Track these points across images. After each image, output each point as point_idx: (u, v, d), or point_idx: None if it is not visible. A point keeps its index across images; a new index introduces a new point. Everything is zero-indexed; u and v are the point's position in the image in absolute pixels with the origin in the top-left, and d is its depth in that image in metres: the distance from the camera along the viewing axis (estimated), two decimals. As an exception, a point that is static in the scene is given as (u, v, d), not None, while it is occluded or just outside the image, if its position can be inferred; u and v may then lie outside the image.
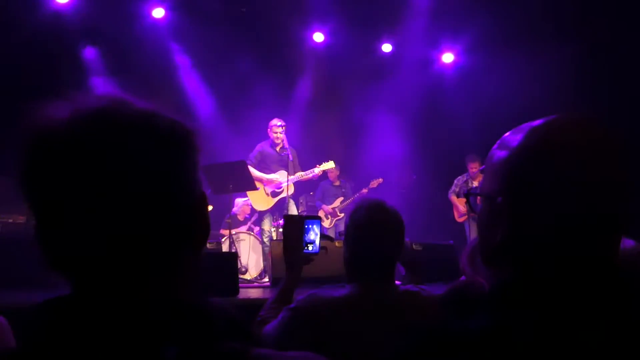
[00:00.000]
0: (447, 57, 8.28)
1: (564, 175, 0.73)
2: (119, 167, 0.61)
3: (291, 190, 5.84)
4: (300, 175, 5.94)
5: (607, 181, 0.73)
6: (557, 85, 6.08)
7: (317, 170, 6.06)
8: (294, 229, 1.79)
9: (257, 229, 6.53)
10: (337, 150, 7.25)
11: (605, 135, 0.75)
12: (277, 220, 6.10)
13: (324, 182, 7.45)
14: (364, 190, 7.27)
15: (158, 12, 7.10)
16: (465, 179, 6.79)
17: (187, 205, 0.67)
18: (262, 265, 6.07)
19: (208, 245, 4.96)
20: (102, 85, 6.99)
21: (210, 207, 0.74)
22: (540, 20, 6.55)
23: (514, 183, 0.76)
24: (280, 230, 6.02)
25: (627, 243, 1.39)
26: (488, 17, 6.88)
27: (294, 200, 6.20)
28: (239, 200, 6.92)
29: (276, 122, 5.89)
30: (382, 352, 1.45)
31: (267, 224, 5.92)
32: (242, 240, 6.28)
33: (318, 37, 7.77)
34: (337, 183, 7.50)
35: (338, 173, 7.42)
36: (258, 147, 6.01)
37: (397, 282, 1.73)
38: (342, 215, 7.28)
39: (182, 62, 7.50)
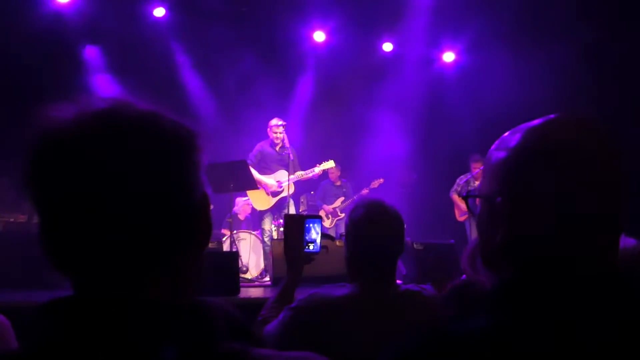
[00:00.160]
0: (448, 57, 8.28)
1: (562, 175, 0.73)
2: (122, 168, 0.62)
3: (291, 190, 5.83)
4: (300, 174, 5.93)
5: (605, 181, 0.73)
6: (559, 84, 6.07)
7: (317, 169, 6.06)
8: (294, 228, 1.79)
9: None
10: (338, 150, 7.25)
11: (603, 135, 0.75)
12: (277, 219, 6.10)
13: (325, 181, 7.45)
14: (365, 191, 7.26)
15: (159, 12, 7.11)
16: (467, 178, 6.78)
17: (190, 206, 0.67)
18: (262, 264, 6.07)
19: (209, 245, 4.95)
20: (103, 85, 6.99)
21: (210, 207, 0.75)
22: (541, 18, 6.54)
23: (513, 183, 0.76)
24: (281, 229, 6.02)
25: (628, 242, 1.39)
26: (489, 16, 6.87)
27: (294, 199, 6.20)
28: (239, 200, 6.93)
29: (276, 121, 5.88)
30: (382, 351, 1.45)
31: (267, 224, 5.93)
32: (242, 239, 6.29)
33: (319, 36, 7.77)
34: (338, 183, 7.50)
35: (339, 173, 7.42)
36: (258, 146, 6.01)
37: (398, 281, 1.74)
38: (343, 215, 7.28)
39: (183, 62, 7.50)
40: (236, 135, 6.90)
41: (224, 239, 6.14)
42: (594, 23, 5.97)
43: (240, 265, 4.92)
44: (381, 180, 7.30)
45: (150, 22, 7.14)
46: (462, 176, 6.91)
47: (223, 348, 0.63)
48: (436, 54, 8.31)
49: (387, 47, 8.10)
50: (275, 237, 5.96)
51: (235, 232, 6.07)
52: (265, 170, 5.90)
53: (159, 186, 0.64)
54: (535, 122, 0.79)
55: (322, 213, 7.32)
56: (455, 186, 6.98)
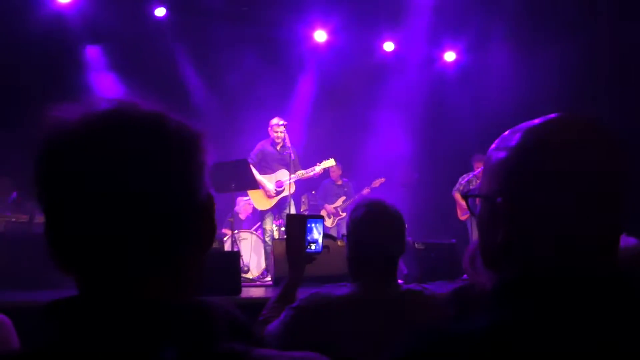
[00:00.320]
0: (449, 56, 8.28)
1: (563, 174, 0.73)
2: (127, 168, 0.63)
3: (292, 190, 5.83)
4: (301, 173, 5.93)
5: (606, 181, 0.73)
6: (560, 83, 6.07)
7: (318, 168, 6.06)
8: (296, 228, 1.79)
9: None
10: (339, 149, 7.24)
11: (604, 135, 0.75)
12: (278, 219, 6.10)
13: (326, 181, 7.45)
14: (366, 190, 7.26)
15: (160, 12, 7.12)
16: (469, 177, 6.77)
17: (194, 207, 0.68)
18: (263, 264, 6.07)
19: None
20: (105, 85, 7.00)
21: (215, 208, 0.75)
22: (542, 17, 6.54)
23: (514, 184, 0.76)
24: (282, 229, 6.02)
25: (629, 241, 1.39)
26: (490, 16, 6.87)
27: (296, 199, 6.20)
28: (240, 199, 6.93)
29: (277, 121, 5.88)
30: (384, 351, 1.45)
31: (268, 223, 5.93)
32: (243, 239, 6.29)
33: (320, 35, 7.77)
34: (340, 182, 7.50)
35: (340, 172, 7.42)
36: (258, 145, 6.01)
37: (399, 281, 1.74)
38: (344, 214, 7.28)
39: (184, 61, 7.50)
40: (237, 134, 6.90)
41: (225, 238, 6.14)
42: (596, 22, 5.96)
43: (241, 265, 4.93)
44: (382, 179, 7.29)
45: (151, 22, 7.14)
46: (464, 175, 6.90)
47: (224, 348, 0.63)
48: (437, 53, 8.31)
49: (389, 46, 8.10)
50: (276, 236, 5.96)
51: (236, 231, 6.07)
52: (266, 169, 5.90)
53: (164, 187, 0.64)
54: (535, 121, 0.78)
55: (323, 212, 7.32)
56: (457, 185, 6.97)
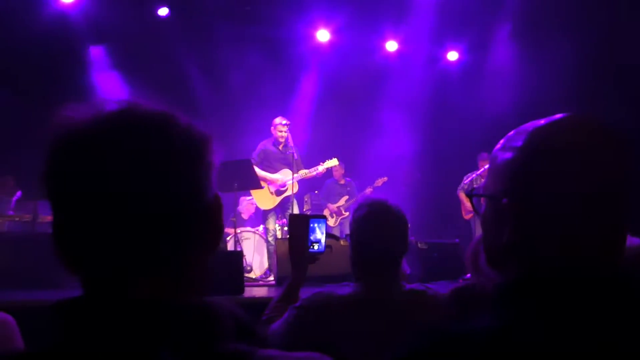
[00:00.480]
0: (452, 55, 8.27)
1: (569, 176, 0.73)
2: (136, 169, 0.63)
3: (296, 189, 5.83)
4: (304, 173, 5.94)
5: (613, 181, 0.73)
6: (563, 83, 6.05)
7: (321, 168, 6.06)
8: (299, 227, 1.79)
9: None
10: (342, 148, 7.24)
11: (608, 135, 0.75)
12: (281, 218, 6.10)
13: (329, 180, 7.45)
14: (369, 190, 7.26)
15: (162, 11, 7.14)
16: (474, 176, 6.76)
17: (201, 208, 0.68)
18: (266, 263, 6.08)
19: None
20: (108, 84, 7.02)
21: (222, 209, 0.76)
22: (546, 17, 6.52)
23: (519, 184, 0.76)
24: (285, 228, 6.03)
25: (633, 241, 1.39)
26: (492, 15, 6.86)
27: (298, 199, 6.19)
28: (243, 199, 6.94)
29: (280, 120, 5.88)
30: (387, 351, 1.45)
31: (271, 223, 5.93)
32: (246, 238, 6.29)
33: (323, 35, 7.77)
34: (342, 182, 7.50)
35: (343, 172, 7.42)
36: (260, 145, 6.01)
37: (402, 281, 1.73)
38: (347, 214, 7.28)
39: (187, 60, 7.51)
40: (240, 133, 6.91)
41: (227, 238, 6.15)
42: (600, 22, 5.94)
43: (244, 264, 4.93)
44: (385, 178, 7.29)
45: (153, 22, 7.15)
46: (468, 174, 6.89)
47: (229, 348, 0.64)
48: (440, 53, 8.30)
49: (391, 45, 8.10)
50: (279, 236, 5.97)
51: (239, 231, 6.08)
52: (268, 169, 5.90)
53: (172, 188, 0.65)
54: (541, 122, 0.78)
55: (326, 212, 7.32)
56: (462, 184, 6.96)
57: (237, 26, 7.19)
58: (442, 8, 7.04)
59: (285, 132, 5.82)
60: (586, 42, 5.96)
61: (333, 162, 6.19)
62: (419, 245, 4.89)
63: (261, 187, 5.71)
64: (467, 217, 7.02)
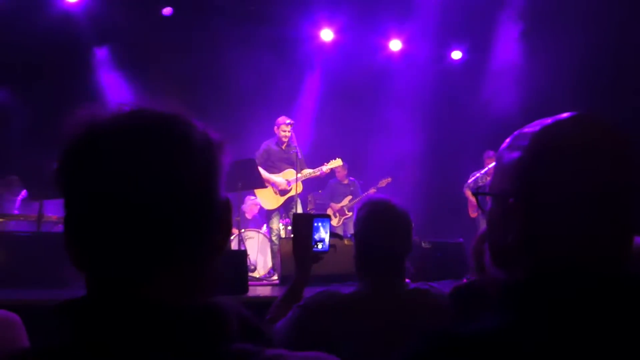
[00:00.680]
0: (456, 54, 8.25)
1: (576, 175, 0.73)
2: (148, 169, 0.64)
3: (300, 189, 5.83)
4: (308, 173, 5.94)
5: (619, 182, 0.73)
6: (568, 81, 6.03)
7: (325, 168, 6.05)
8: (303, 227, 1.79)
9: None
10: (346, 148, 7.24)
11: (615, 135, 0.75)
12: (285, 218, 6.11)
13: (333, 180, 7.45)
14: (372, 190, 7.25)
15: (167, 10, 7.15)
16: (479, 174, 6.74)
17: (212, 209, 0.69)
18: (270, 263, 6.08)
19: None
20: (113, 84, 7.04)
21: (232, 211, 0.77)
22: (551, 15, 6.50)
23: (526, 184, 0.76)
24: (289, 228, 6.03)
25: (637, 240, 1.38)
26: (496, 14, 6.84)
27: (302, 198, 6.19)
28: (247, 199, 6.94)
29: (284, 119, 5.88)
30: (391, 350, 1.45)
31: (275, 222, 5.93)
32: (250, 238, 6.30)
33: (327, 34, 7.77)
34: (346, 181, 7.50)
35: (346, 171, 7.41)
36: (264, 145, 6.01)
37: (406, 280, 1.73)
38: (351, 214, 7.28)
39: (190, 60, 7.51)
40: (244, 133, 6.91)
41: (232, 237, 6.15)
42: (607, 20, 5.92)
43: (248, 263, 4.94)
44: (389, 179, 7.28)
45: (158, 21, 7.16)
46: (474, 172, 6.87)
47: (236, 348, 0.64)
48: (444, 52, 8.29)
49: (395, 45, 8.09)
50: (283, 235, 5.97)
51: (243, 230, 6.08)
52: (272, 169, 5.90)
53: (187, 189, 0.66)
54: (547, 121, 0.78)
55: (329, 211, 7.32)
56: (468, 182, 6.93)
57: (241, 26, 7.19)
58: (446, 7, 7.03)
59: (288, 131, 5.82)
60: (592, 40, 5.93)
61: (337, 162, 6.19)
62: (423, 244, 4.89)
63: (265, 187, 5.71)
64: (474, 215, 7.00)
